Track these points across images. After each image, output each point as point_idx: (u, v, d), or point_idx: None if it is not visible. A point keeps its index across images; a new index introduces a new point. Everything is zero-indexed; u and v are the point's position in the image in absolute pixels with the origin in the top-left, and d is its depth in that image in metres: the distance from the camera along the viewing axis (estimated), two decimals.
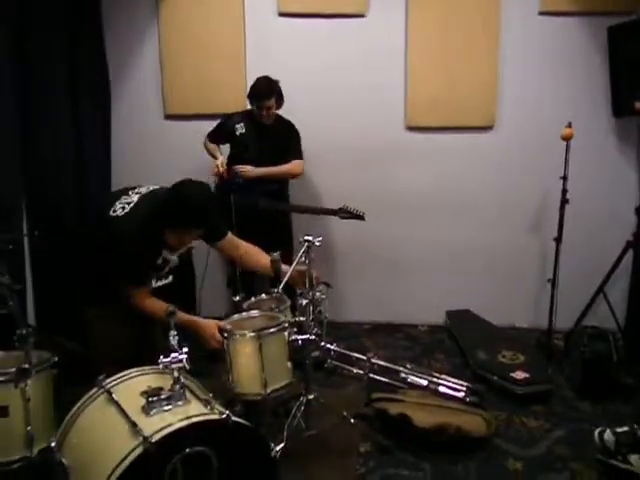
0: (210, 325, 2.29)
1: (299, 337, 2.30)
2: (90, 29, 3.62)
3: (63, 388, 2.02)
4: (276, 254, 2.25)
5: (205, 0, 3.70)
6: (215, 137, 3.54)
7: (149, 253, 2.33)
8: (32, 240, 3.02)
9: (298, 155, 3.48)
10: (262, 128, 3.41)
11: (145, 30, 3.80)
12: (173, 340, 1.85)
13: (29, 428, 1.74)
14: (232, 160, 3.49)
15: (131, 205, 2.36)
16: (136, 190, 2.46)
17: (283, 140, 3.45)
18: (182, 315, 2.22)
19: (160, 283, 2.53)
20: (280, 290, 2.23)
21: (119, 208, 2.36)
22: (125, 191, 2.48)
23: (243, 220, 3.26)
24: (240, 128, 3.44)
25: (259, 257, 2.62)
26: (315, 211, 3.54)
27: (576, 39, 3.57)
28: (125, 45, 3.81)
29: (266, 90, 3.29)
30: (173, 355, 1.71)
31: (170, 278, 2.55)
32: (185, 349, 1.74)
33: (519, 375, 2.91)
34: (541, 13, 3.57)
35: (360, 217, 3.29)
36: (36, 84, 3.10)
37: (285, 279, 2.25)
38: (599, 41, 3.49)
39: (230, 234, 2.64)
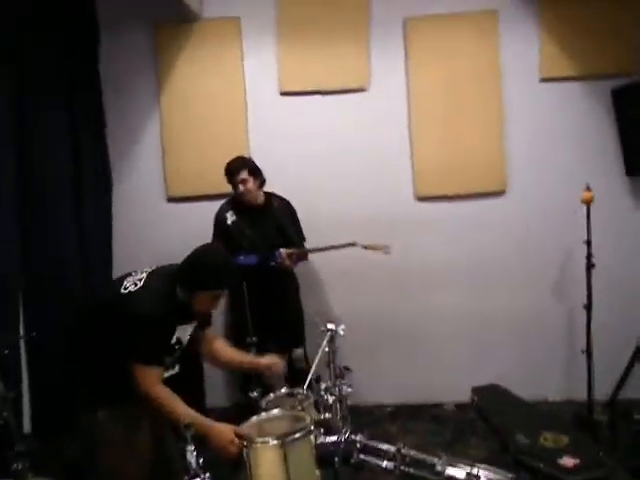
0: (226, 431, 1.99)
1: (328, 440, 2.06)
2: (91, 112, 3.60)
3: None
4: (299, 351, 2.05)
5: (206, 82, 3.71)
6: (217, 240, 3.23)
7: (166, 328, 2.09)
8: (29, 342, 2.81)
9: (302, 237, 3.37)
10: (252, 212, 3.25)
11: (147, 112, 3.79)
12: (191, 457, 1.62)
13: None
14: (233, 251, 3.24)
15: (142, 280, 2.14)
16: (141, 271, 2.23)
17: (279, 221, 3.28)
18: (194, 417, 1.97)
19: (167, 374, 2.28)
20: (305, 391, 2.01)
21: (130, 285, 2.13)
22: (129, 274, 2.25)
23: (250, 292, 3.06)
24: (230, 216, 3.26)
25: (233, 353, 2.40)
26: (327, 249, 3.25)
27: (581, 102, 3.59)
28: (126, 128, 3.79)
29: (236, 164, 3.22)
30: None
31: (177, 368, 2.31)
32: (207, 473, 1.51)
33: (568, 462, 2.63)
34: (542, 80, 3.59)
35: (384, 249, 3.09)
36: (36, 172, 3.02)
37: (310, 377, 2.04)
38: (604, 103, 3.50)
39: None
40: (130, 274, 2.23)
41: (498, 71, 3.61)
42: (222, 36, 3.68)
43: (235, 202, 3.30)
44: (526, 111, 3.63)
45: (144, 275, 2.17)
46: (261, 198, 3.29)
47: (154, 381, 2.02)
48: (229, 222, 3.27)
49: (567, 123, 3.61)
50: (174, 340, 2.13)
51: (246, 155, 3.43)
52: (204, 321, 2.29)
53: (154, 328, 2.02)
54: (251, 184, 3.20)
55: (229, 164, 3.23)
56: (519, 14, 3.62)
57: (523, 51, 3.61)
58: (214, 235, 3.30)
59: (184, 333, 2.18)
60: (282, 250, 3.14)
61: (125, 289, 2.12)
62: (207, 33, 3.68)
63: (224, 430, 2.00)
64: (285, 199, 3.37)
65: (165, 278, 2.14)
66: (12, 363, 2.64)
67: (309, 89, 3.68)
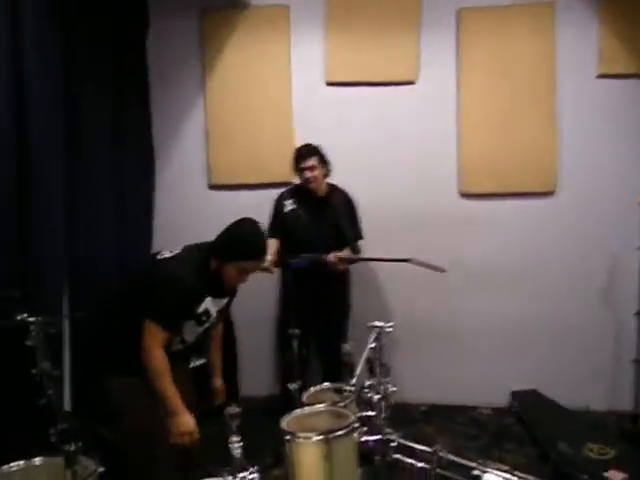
0: (190, 422, 2.02)
1: (371, 439, 2.02)
2: (137, 98, 3.61)
3: None
4: (347, 346, 2.01)
5: (252, 70, 3.67)
6: (273, 228, 3.22)
7: (190, 294, 2.09)
8: (73, 322, 2.84)
9: (360, 235, 3.31)
10: (313, 200, 3.21)
11: (192, 100, 3.78)
12: (236, 449, 1.60)
13: None
14: (284, 244, 3.22)
15: (177, 251, 2.20)
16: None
17: (337, 216, 3.20)
18: (171, 394, 2.00)
19: (196, 363, 2.29)
20: (353, 386, 1.97)
21: (165, 254, 2.20)
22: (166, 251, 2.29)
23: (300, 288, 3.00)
24: (289, 204, 3.23)
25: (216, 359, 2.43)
26: (383, 260, 3.21)
27: (638, 100, 3.41)
28: (171, 115, 3.79)
29: (305, 150, 3.16)
30: (241, 476, 1.45)
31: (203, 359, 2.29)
32: (255, 467, 1.48)
33: (615, 475, 2.54)
34: (600, 76, 3.44)
35: (439, 269, 2.96)
36: (83, 157, 3.03)
37: (357, 372, 2.00)
38: None
39: None
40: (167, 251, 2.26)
41: (553, 66, 3.47)
42: (270, 24, 3.63)
43: (296, 190, 3.26)
44: (581, 108, 3.49)
45: (179, 250, 2.22)
46: (324, 188, 3.23)
47: (157, 342, 2.04)
48: (287, 209, 3.23)
49: (623, 122, 3.46)
50: (201, 309, 2.12)
51: (301, 144, 3.33)
52: (231, 297, 2.29)
53: (176, 290, 2.04)
54: (318, 172, 3.15)
55: (299, 149, 3.18)
56: (577, 6, 3.47)
57: (580, 45, 3.46)
58: (270, 221, 3.27)
59: (213, 306, 2.17)
60: (332, 255, 3.08)
61: (161, 255, 2.20)
62: (255, 21, 3.64)
63: (189, 420, 2.03)
64: (348, 194, 3.29)
65: (199, 250, 2.19)
66: (57, 343, 2.67)
67: (356, 80, 3.61)
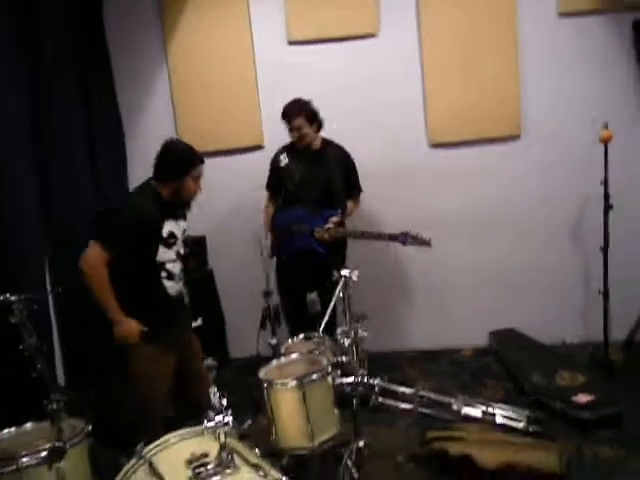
0: (136, 325, 2.27)
1: (345, 381, 2.13)
2: (100, 73, 3.60)
3: (98, 450, 1.89)
4: (312, 295, 2.10)
5: (212, 35, 3.65)
6: (271, 183, 3.33)
7: (149, 218, 2.31)
8: (56, 297, 2.91)
9: (360, 189, 3.34)
10: (307, 155, 3.21)
11: (155, 67, 3.76)
12: (214, 397, 1.69)
13: None
14: (284, 197, 3.28)
15: None
16: None
17: (334, 168, 3.21)
18: (112, 305, 2.24)
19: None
20: (321, 333, 2.08)
21: None
22: None
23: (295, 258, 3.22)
24: (284, 159, 3.25)
25: None
26: (375, 237, 3.22)
27: (600, 38, 3.44)
28: (136, 84, 3.78)
29: (291, 108, 3.12)
30: (218, 418, 1.56)
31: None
32: (230, 410, 1.58)
33: (583, 398, 2.70)
34: (561, 14, 3.45)
35: (426, 243, 3.04)
36: (53, 140, 3.06)
37: (325, 319, 2.10)
38: (625, 37, 3.34)
39: None
40: None
41: (514, 8, 3.46)
42: None
43: (291, 146, 3.27)
44: (543, 49, 3.50)
45: None
46: (317, 143, 3.23)
47: (100, 260, 2.24)
48: (282, 164, 3.26)
49: (586, 60, 3.47)
50: (166, 233, 2.34)
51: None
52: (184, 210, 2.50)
53: (132, 216, 2.31)
54: (306, 129, 3.13)
55: (285, 107, 3.14)
56: None
57: None
58: (268, 177, 3.34)
59: (176, 228, 2.40)
60: (317, 229, 3.13)
61: None
62: None
63: (134, 323, 2.28)
64: (343, 149, 3.30)
65: (146, 184, 2.42)
66: (42, 318, 2.74)
67: (317, 37, 3.60)
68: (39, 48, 2.97)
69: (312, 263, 3.16)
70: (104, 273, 2.24)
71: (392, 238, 3.10)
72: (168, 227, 2.36)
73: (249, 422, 2.33)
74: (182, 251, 2.46)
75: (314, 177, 3.21)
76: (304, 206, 3.18)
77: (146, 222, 2.31)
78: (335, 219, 3.16)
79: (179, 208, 2.44)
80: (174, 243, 2.40)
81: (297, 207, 3.19)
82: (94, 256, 2.25)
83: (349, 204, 3.31)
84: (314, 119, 3.15)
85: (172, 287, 2.40)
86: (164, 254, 2.36)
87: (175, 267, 2.41)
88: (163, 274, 2.37)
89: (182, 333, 2.52)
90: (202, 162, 2.40)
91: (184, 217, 2.51)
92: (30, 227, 2.80)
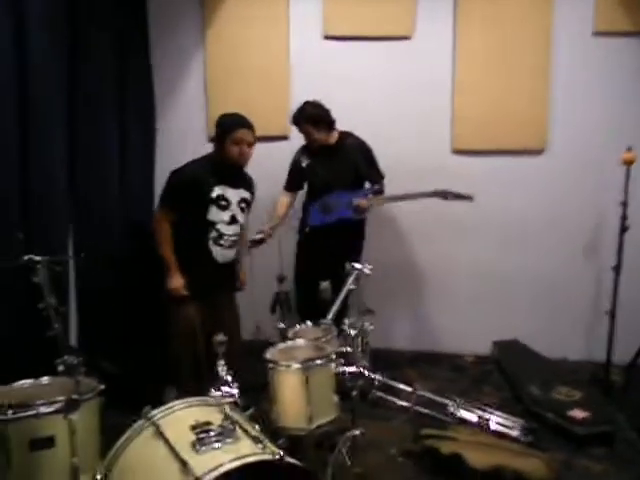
0: (181, 281, 2.62)
1: (347, 369, 2.20)
2: (138, 54, 3.68)
3: (105, 413, 1.98)
4: (325, 283, 2.17)
5: (250, 25, 3.72)
6: (290, 182, 3.45)
7: (193, 179, 2.59)
8: (78, 262, 3.02)
9: (382, 176, 3.39)
10: (325, 152, 3.30)
11: (191, 55, 3.85)
12: (222, 371, 1.78)
13: (75, 460, 1.68)
14: (309, 196, 3.43)
15: None
16: None
17: (352, 159, 3.29)
18: (169, 256, 2.61)
19: (226, 230, 2.67)
20: (330, 320, 2.15)
21: None
22: None
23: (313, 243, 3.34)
24: (304, 160, 3.35)
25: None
26: (415, 197, 3.26)
27: (633, 59, 3.45)
28: (171, 70, 3.87)
29: (296, 117, 3.25)
30: (224, 389, 1.64)
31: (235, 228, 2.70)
32: (236, 383, 1.67)
33: (578, 414, 2.73)
34: (595, 33, 3.46)
35: (468, 198, 3.10)
36: (85, 110, 3.14)
37: (335, 308, 2.17)
38: None
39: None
40: None
41: (550, 22, 3.49)
42: None
43: (308, 147, 3.36)
44: (575, 66, 3.52)
45: None
46: (332, 139, 3.31)
47: (161, 218, 2.65)
48: (304, 164, 3.36)
49: (617, 80, 3.49)
50: (215, 194, 2.60)
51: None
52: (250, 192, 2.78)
53: (177, 178, 2.62)
54: (315, 135, 3.24)
55: (292, 115, 3.27)
56: None
57: (578, 2, 3.47)
58: (288, 175, 3.46)
59: (232, 195, 2.66)
60: (355, 199, 3.21)
61: None
62: None
63: (179, 280, 2.62)
64: (359, 138, 3.36)
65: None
66: (63, 281, 2.85)
67: (353, 34, 3.65)
68: (80, 26, 3.04)
69: (332, 247, 3.22)
70: (164, 229, 2.61)
71: (432, 194, 3.16)
72: (219, 190, 2.61)
73: (252, 410, 2.41)
74: (240, 219, 2.71)
75: (337, 171, 3.29)
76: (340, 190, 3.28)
77: (192, 182, 2.58)
78: (375, 189, 3.27)
79: (234, 175, 2.68)
80: (226, 206, 2.64)
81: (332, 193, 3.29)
82: (157, 214, 2.68)
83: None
84: (320, 123, 3.23)
85: (218, 252, 2.66)
86: (216, 215, 2.61)
87: (227, 229, 2.63)
88: (213, 234, 2.61)
89: (216, 300, 2.73)
90: (243, 127, 2.61)
91: (246, 187, 2.77)
92: (57, 194, 2.89)
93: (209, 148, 3.84)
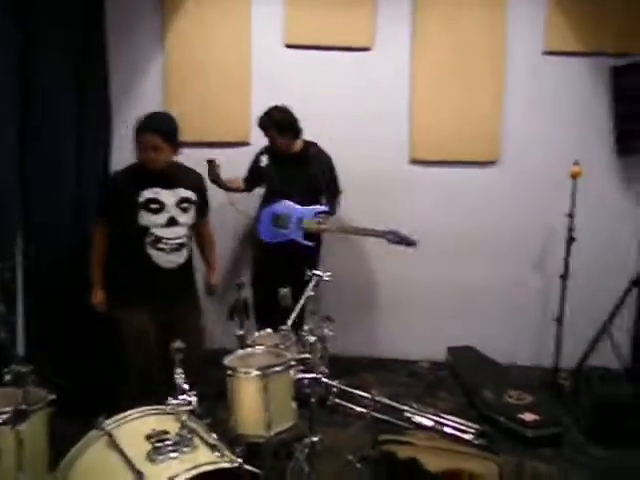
0: (100, 293, 2.60)
1: (306, 376, 2.20)
2: (95, 54, 3.57)
3: (55, 424, 1.91)
4: (285, 290, 2.17)
5: (212, 29, 3.69)
6: (246, 179, 3.45)
7: (119, 185, 2.60)
8: (26, 269, 2.89)
9: (340, 190, 3.43)
10: (287, 158, 3.31)
11: (150, 57, 3.77)
12: (179, 379, 1.75)
13: (21, 473, 1.61)
14: (265, 196, 3.43)
15: None
16: None
17: (313, 170, 3.32)
18: (95, 269, 2.61)
19: (160, 232, 2.55)
20: (289, 327, 2.15)
21: None
22: None
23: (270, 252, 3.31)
24: (265, 159, 3.36)
25: (209, 248, 2.87)
26: (363, 232, 3.37)
27: (580, 78, 3.63)
28: (129, 71, 3.77)
29: (262, 120, 3.25)
30: (182, 397, 1.61)
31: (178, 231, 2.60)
32: (194, 392, 1.64)
33: (528, 417, 2.83)
34: (545, 52, 3.63)
35: (412, 243, 3.15)
36: (39, 111, 3.03)
37: (294, 315, 2.17)
38: (603, 80, 3.55)
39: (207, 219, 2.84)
40: None
41: (503, 39, 3.62)
42: None
43: (272, 147, 3.35)
44: (527, 83, 3.67)
45: None
46: (296, 147, 3.32)
47: (95, 229, 2.64)
48: (263, 164, 3.36)
49: (565, 98, 3.66)
50: (143, 198, 2.50)
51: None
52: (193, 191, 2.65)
53: (105, 185, 2.81)
54: (278, 140, 3.25)
55: (259, 118, 3.26)
56: None
57: (530, 22, 3.62)
58: (247, 175, 3.46)
59: (167, 197, 2.54)
60: (306, 220, 3.23)
61: None
62: None
63: (101, 295, 2.61)
64: (324, 151, 3.39)
65: None
66: (9, 287, 2.72)
67: (314, 43, 3.68)
68: (33, 22, 2.95)
69: (288, 257, 3.23)
70: (96, 240, 2.60)
71: (380, 234, 3.20)
72: (149, 194, 2.50)
73: (208, 420, 2.38)
74: (182, 219, 2.58)
75: (294, 179, 3.30)
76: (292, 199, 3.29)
77: (117, 189, 2.57)
78: (324, 214, 3.27)
79: (168, 175, 2.56)
80: (159, 209, 2.52)
81: (284, 200, 3.30)
82: (93, 226, 2.64)
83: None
84: (285, 129, 3.24)
85: (160, 257, 2.52)
86: (148, 219, 2.50)
87: (165, 232, 2.52)
88: (149, 238, 2.50)
89: (168, 307, 2.58)
90: (145, 130, 2.50)
91: (186, 186, 2.62)
92: (6, 198, 2.78)
93: None
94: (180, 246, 2.59)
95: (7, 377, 1.96)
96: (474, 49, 3.64)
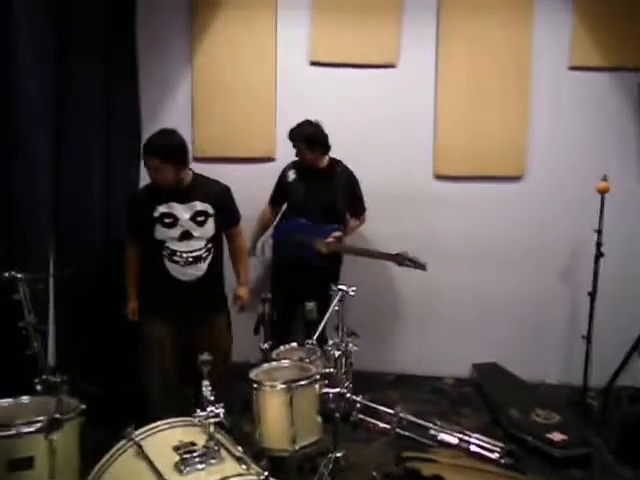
0: (130, 305, 2.73)
1: (330, 390, 2.21)
2: (125, 73, 3.69)
3: (85, 434, 1.94)
4: (311, 304, 2.19)
5: (238, 47, 3.78)
6: (274, 197, 3.51)
7: (136, 201, 2.76)
8: (58, 280, 2.97)
9: (365, 208, 3.48)
10: (313, 174, 3.37)
11: (178, 75, 3.87)
12: (206, 391, 1.77)
13: None
14: (287, 210, 3.49)
15: None
16: None
17: (338, 187, 3.37)
18: (129, 283, 2.75)
19: (178, 247, 2.62)
20: (314, 341, 2.16)
21: None
22: None
23: (291, 267, 3.34)
24: (292, 174, 3.42)
25: (238, 260, 2.91)
26: (372, 255, 3.40)
27: (607, 94, 3.61)
28: (158, 87, 3.88)
29: (292, 133, 3.30)
30: (209, 409, 1.64)
31: (196, 244, 2.63)
32: (222, 403, 1.66)
33: (556, 437, 2.78)
34: (571, 68, 3.62)
35: (421, 267, 3.12)
36: (70, 124, 3.13)
37: (320, 329, 2.18)
38: (631, 96, 3.52)
39: (239, 226, 2.88)
40: None
41: (528, 55, 3.63)
42: (258, 2, 3.74)
43: (300, 163, 3.41)
44: (552, 98, 3.66)
45: None
46: (323, 163, 3.38)
47: (127, 243, 2.79)
48: (289, 179, 3.42)
49: (591, 113, 3.64)
50: (158, 213, 2.59)
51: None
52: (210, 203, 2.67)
53: (127, 204, 2.83)
54: (308, 155, 3.31)
55: (290, 130, 3.32)
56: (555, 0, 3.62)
57: (555, 37, 3.62)
58: (273, 189, 3.52)
59: (182, 211, 2.60)
60: (317, 240, 3.26)
61: None
62: None
63: (132, 305, 2.74)
64: (349, 169, 3.45)
65: None
66: (42, 300, 2.80)
67: (339, 61, 3.74)
68: (66, 32, 3.06)
69: (305, 273, 3.27)
70: (128, 254, 2.76)
71: (389, 258, 3.20)
72: (164, 209, 2.59)
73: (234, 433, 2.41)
74: (198, 233, 2.61)
75: (318, 194, 3.35)
76: (307, 218, 3.32)
77: (135, 204, 2.73)
78: (336, 234, 3.28)
79: (183, 190, 2.64)
80: (173, 223, 2.59)
81: (300, 218, 3.34)
82: (126, 241, 2.79)
83: (352, 222, 3.45)
84: (315, 145, 3.29)
85: (176, 270, 2.59)
86: (163, 233, 2.59)
87: (179, 246, 2.58)
88: (165, 252, 2.59)
89: (187, 320, 2.64)
90: (145, 152, 2.58)
91: (202, 199, 2.63)
92: (40, 209, 2.87)
93: (194, 168, 3.92)
94: (197, 259, 2.61)
95: (38, 387, 2.03)
96: (499, 65, 3.65)
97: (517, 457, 2.68)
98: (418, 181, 3.80)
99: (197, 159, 3.90)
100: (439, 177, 3.79)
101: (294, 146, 3.33)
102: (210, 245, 2.65)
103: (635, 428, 2.75)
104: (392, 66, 3.73)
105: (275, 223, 3.53)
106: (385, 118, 3.76)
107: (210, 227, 2.65)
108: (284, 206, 3.52)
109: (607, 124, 3.62)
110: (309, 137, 3.28)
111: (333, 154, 3.44)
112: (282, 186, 3.46)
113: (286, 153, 3.49)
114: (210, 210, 2.64)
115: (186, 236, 2.59)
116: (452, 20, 3.67)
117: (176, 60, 3.86)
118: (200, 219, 2.62)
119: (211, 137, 3.86)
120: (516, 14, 3.63)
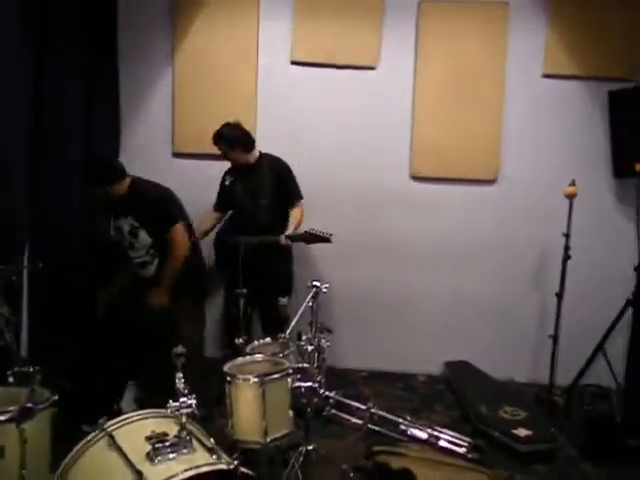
0: (163, 295, 2.89)
1: (302, 384, 2.25)
2: (106, 62, 3.68)
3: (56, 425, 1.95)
4: (284, 299, 2.23)
5: (220, 46, 3.80)
6: (219, 202, 3.60)
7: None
8: (33, 272, 2.95)
9: (299, 196, 3.47)
10: (244, 171, 3.45)
11: (160, 67, 3.87)
12: (179, 383, 1.80)
13: (24, 471, 1.66)
14: (232, 214, 3.56)
15: None
16: None
17: (269, 178, 3.41)
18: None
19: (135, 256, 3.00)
20: (287, 335, 2.20)
21: None
22: None
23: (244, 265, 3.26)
24: (228, 178, 3.53)
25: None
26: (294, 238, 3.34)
27: (578, 101, 3.72)
28: (139, 82, 3.87)
29: (213, 138, 3.38)
30: (182, 399, 1.66)
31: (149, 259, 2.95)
32: (194, 395, 1.69)
33: (522, 432, 2.86)
34: (545, 76, 3.72)
35: (327, 239, 3.15)
36: (48, 114, 3.11)
37: (293, 324, 2.22)
38: (600, 104, 3.63)
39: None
40: None
41: (503, 62, 3.72)
42: (240, 0, 3.76)
43: (233, 166, 3.51)
44: (526, 104, 3.76)
45: None
46: (252, 159, 3.44)
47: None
48: (227, 182, 3.53)
49: (563, 120, 3.75)
50: (112, 229, 3.01)
51: (243, 118, 3.52)
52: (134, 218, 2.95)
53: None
54: (230, 155, 3.40)
55: (212, 136, 3.38)
56: (529, 8, 3.71)
57: (529, 45, 3.72)
58: (217, 197, 3.60)
59: (122, 224, 2.96)
60: (282, 237, 3.27)
61: None
62: None
63: (161, 294, 2.90)
64: (276, 157, 3.48)
65: None
66: (15, 290, 2.78)
67: (319, 61, 3.78)
68: (50, 35, 3.04)
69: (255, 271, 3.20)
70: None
71: (300, 238, 3.24)
72: (116, 223, 2.98)
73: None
74: (136, 243, 2.96)
75: (251, 190, 3.42)
76: (248, 216, 3.39)
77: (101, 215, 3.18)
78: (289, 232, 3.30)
79: (122, 205, 2.94)
80: (121, 236, 3.00)
81: (243, 219, 3.43)
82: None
83: (293, 212, 3.43)
84: (235, 144, 3.37)
85: (138, 270, 3.04)
86: (122, 243, 3.03)
87: (131, 253, 3.03)
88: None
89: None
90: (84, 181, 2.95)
91: (131, 213, 2.94)
92: (16, 201, 2.85)
93: (173, 164, 3.93)
94: (144, 264, 3.00)
95: (10, 379, 2.02)
96: (476, 72, 3.73)
97: (484, 452, 2.75)
98: (394, 182, 3.86)
99: (177, 154, 3.93)
100: (415, 178, 3.86)
101: (219, 150, 3.40)
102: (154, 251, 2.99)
103: (597, 424, 2.85)
104: (372, 68, 3.79)
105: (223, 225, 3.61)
106: (364, 119, 3.82)
107: (145, 234, 2.94)
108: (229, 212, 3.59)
109: (578, 130, 3.73)
110: (228, 139, 3.35)
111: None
112: (222, 190, 3.56)
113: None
114: (135, 223, 2.94)
115: (131, 246, 3.01)
116: (431, 26, 3.74)
117: (157, 59, 3.86)
118: (135, 232, 2.94)
119: (191, 133, 3.87)
120: (492, 23, 3.73)
